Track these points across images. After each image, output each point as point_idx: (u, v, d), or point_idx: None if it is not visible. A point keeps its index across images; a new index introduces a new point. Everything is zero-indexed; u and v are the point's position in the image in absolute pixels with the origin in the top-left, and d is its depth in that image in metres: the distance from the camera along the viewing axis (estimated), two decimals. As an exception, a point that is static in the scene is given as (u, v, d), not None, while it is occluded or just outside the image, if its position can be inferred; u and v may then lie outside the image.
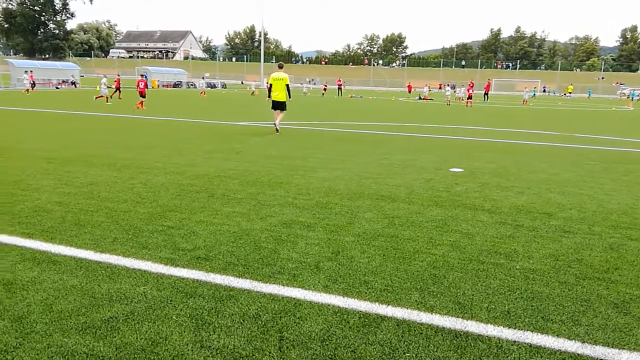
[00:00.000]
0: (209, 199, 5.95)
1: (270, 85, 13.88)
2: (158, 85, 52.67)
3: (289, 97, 13.91)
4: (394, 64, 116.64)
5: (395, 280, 3.74)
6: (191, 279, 3.64)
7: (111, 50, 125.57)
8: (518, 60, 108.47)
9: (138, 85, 22.17)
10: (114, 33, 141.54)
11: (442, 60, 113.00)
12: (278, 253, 4.23)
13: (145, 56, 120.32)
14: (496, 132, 16.17)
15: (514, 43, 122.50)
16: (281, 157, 9.22)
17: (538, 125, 19.90)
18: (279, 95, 13.69)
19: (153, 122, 15.91)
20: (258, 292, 3.46)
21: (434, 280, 3.75)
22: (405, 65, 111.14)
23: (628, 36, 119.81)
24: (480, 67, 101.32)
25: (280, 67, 14.30)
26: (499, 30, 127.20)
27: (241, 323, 3.02)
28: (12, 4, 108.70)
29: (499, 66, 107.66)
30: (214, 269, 3.83)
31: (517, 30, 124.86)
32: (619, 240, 4.85)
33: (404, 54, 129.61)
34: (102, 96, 25.84)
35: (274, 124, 13.76)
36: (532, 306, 3.37)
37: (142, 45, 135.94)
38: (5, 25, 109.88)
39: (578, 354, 2.80)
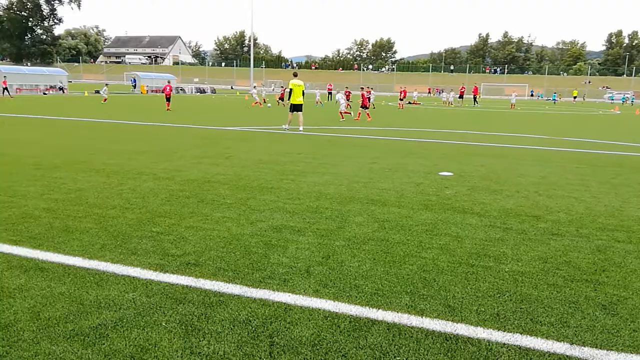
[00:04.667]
0: (199, 204, 5.93)
1: (291, 90, 15.88)
2: (147, 91, 52.40)
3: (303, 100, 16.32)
4: (383, 69, 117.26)
5: (386, 284, 3.75)
6: (181, 284, 3.62)
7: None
8: (506, 65, 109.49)
9: (363, 96, 23.27)
10: (102, 38, 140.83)
11: (430, 65, 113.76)
12: (268, 258, 4.22)
13: (136, 61, 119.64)
14: (485, 136, 16.30)
15: (501, 48, 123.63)
16: (271, 162, 9.21)
17: (527, 129, 20.09)
18: (300, 99, 15.85)
19: (141, 128, 15.82)
20: (248, 297, 3.45)
21: (424, 284, 3.76)
22: (395, 70, 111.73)
23: (614, 40, 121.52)
24: (469, 72, 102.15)
25: (295, 75, 16.24)
26: (487, 35, 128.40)
27: (231, 329, 3.01)
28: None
29: (487, 71, 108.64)
30: (203, 274, 3.82)
31: (505, 35, 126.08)
32: (606, 242, 4.90)
33: (393, 59, 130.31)
34: (257, 102, 30.10)
35: (300, 126, 15.58)
36: (521, 308, 3.40)
37: (131, 50, 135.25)
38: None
39: (567, 356, 2.82)
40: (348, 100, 32.66)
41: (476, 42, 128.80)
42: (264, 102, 32.68)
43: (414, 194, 6.85)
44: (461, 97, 47.17)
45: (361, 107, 22.69)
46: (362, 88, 25.67)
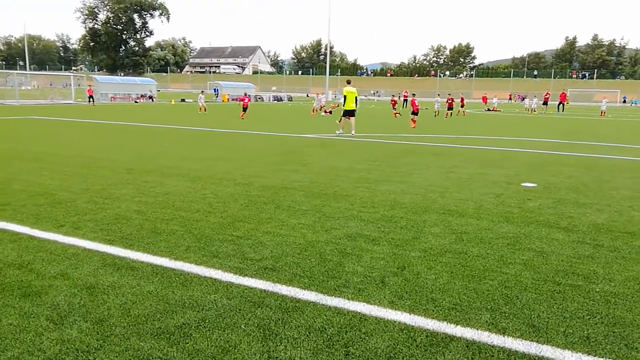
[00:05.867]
0: (276, 210, 6.08)
1: (345, 97, 17.07)
2: (228, 99, 54.64)
3: (356, 106, 17.23)
4: (461, 75, 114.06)
5: (464, 299, 3.63)
6: (259, 288, 3.72)
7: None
8: (595, 70, 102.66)
9: (413, 104, 21.93)
10: (188, 49, 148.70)
11: (512, 70, 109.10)
12: (343, 266, 4.24)
13: (218, 71, 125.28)
14: (572, 145, 15.36)
15: (590, 51, 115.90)
16: (346, 169, 9.25)
17: (619, 138, 18.69)
18: (353, 104, 16.91)
19: (224, 135, 16.49)
20: (323, 305, 3.48)
21: (506, 301, 3.60)
22: (473, 75, 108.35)
23: None
24: (554, 77, 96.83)
25: (349, 82, 17.74)
26: (575, 38, 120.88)
27: (307, 335, 3.04)
28: (97, 24, 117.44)
29: (574, 76, 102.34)
30: (280, 279, 3.90)
31: (594, 38, 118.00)
32: None
33: (471, 65, 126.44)
34: (321, 110, 30.79)
35: (352, 130, 16.58)
36: (613, 332, 3.16)
37: (214, 60, 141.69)
38: (91, 44, 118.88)
39: (668, 388, 2.58)
40: (394, 109, 30.98)
41: (562, 46, 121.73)
42: (319, 110, 31.49)
43: (494, 205, 6.59)
44: (545, 103, 44.79)
45: (412, 113, 21.88)
46: (414, 95, 24.81)
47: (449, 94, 32.88)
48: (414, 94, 25.61)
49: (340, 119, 18.34)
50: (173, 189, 7.18)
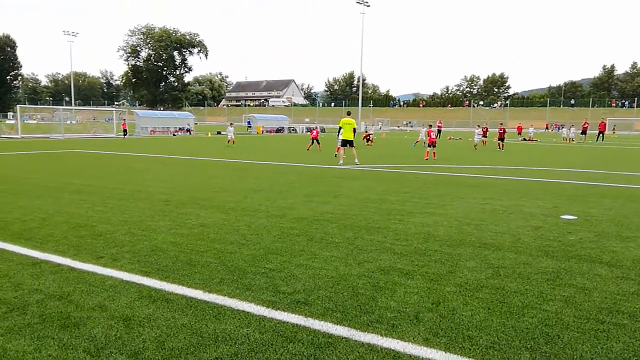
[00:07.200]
0: (308, 242, 6.08)
1: (340, 128, 18.16)
2: (262, 131, 55.69)
3: (353, 136, 18.03)
4: (496, 105, 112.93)
5: (502, 337, 3.51)
6: (291, 323, 3.70)
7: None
8: (635, 98, 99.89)
9: (430, 135, 21.13)
10: (225, 84, 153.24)
11: (548, 99, 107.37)
12: (376, 301, 4.18)
13: (280, 104, 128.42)
14: (613, 175, 14.87)
15: (630, 80, 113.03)
16: (378, 201, 9.21)
17: (664, 167, 18.00)
18: (350, 135, 17.78)
19: (256, 166, 16.75)
20: (356, 341, 3.43)
21: (547, 340, 3.47)
22: (508, 105, 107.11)
23: None
24: (592, 106, 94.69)
25: (349, 113, 18.90)
26: (612, 66, 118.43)
27: (340, 372, 3.00)
28: (139, 62, 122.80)
29: (614, 104, 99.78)
30: (312, 314, 3.88)
31: (634, 65, 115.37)
32: None
33: (506, 94, 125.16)
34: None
35: (339, 156, 17.85)
36: (665, 377, 2.98)
37: (250, 94, 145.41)
38: (133, 80, 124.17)
39: None
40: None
41: (600, 75, 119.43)
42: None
43: (532, 238, 6.41)
44: (584, 132, 43.74)
45: (428, 145, 20.84)
46: (430, 126, 23.49)
47: (501, 124, 30.70)
48: (430, 125, 24.01)
49: (337, 150, 18.64)
50: (208, 220, 7.31)
